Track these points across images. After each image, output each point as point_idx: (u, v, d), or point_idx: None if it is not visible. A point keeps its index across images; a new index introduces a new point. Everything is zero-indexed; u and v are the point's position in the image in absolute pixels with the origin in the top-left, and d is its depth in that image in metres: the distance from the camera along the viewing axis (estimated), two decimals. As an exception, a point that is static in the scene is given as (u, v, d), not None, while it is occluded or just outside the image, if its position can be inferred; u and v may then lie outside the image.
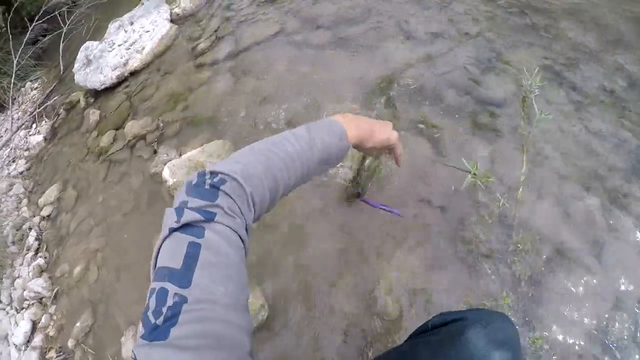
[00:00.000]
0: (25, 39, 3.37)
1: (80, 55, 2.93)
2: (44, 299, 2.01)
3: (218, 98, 2.05)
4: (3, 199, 2.59)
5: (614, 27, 1.78)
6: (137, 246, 1.77)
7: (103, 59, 2.78)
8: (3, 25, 3.50)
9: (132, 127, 2.23)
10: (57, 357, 1.74)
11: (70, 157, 2.46)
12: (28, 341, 1.87)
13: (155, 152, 2.03)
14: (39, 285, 2.00)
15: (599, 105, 1.49)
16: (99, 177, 2.17)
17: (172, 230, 0.48)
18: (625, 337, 1.04)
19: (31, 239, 2.25)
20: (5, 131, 3.15)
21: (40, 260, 2.14)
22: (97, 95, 2.71)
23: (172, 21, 2.80)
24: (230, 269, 0.48)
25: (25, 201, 2.54)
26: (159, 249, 0.49)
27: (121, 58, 2.68)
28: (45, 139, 2.83)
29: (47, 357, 1.77)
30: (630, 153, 1.36)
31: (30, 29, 3.38)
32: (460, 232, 1.27)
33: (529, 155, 1.29)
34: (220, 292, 0.45)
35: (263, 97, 1.91)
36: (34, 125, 3.02)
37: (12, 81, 3.25)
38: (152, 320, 0.42)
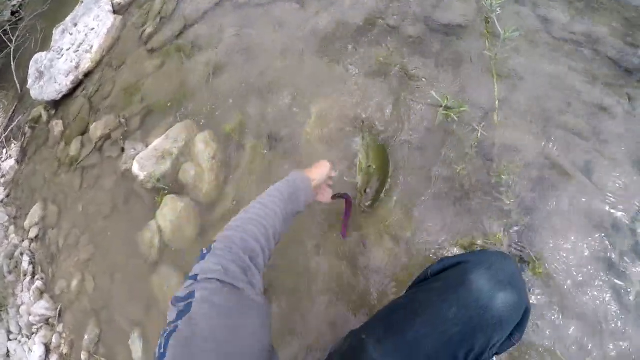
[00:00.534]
0: (-26, 66, 3.22)
1: (32, 70, 2.79)
2: (50, 320, 1.99)
3: (173, 79, 1.94)
4: (-10, 231, 2.54)
5: None
6: (122, 243, 1.74)
7: (54, 67, 2.64)
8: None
9: (97, 129, 2.14)
10: (73, 372, 1.74)
11: (44, 173, 2.39)
12: (45, 364, 1.87)
13: (122, 149, 1.94)
14: (42, 307, 1.98)
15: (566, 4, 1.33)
16: (75, 186, 2.10)
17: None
18: (627, 249, 0.96)
19: (25, 264, 2.22)
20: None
21: (38, 283, 2.11)
22: (57, 105, 2.59)
23: (115, 12, 2.63)
24: None
25: (12, 228, 2.49)
26: None
27: (72, 62, 2.54)
28: (17, 161, 2.75)
29: (64, 374, 1.77)
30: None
31: (-24, 55, 3.23)
32: (440, 170, 1.17)
33: (502, 79, 1.18)
34: None
35: (218, 68, 1.80)
36: (4, 151, 2.93)
37: (-28, 111, 3.13)
38: None
